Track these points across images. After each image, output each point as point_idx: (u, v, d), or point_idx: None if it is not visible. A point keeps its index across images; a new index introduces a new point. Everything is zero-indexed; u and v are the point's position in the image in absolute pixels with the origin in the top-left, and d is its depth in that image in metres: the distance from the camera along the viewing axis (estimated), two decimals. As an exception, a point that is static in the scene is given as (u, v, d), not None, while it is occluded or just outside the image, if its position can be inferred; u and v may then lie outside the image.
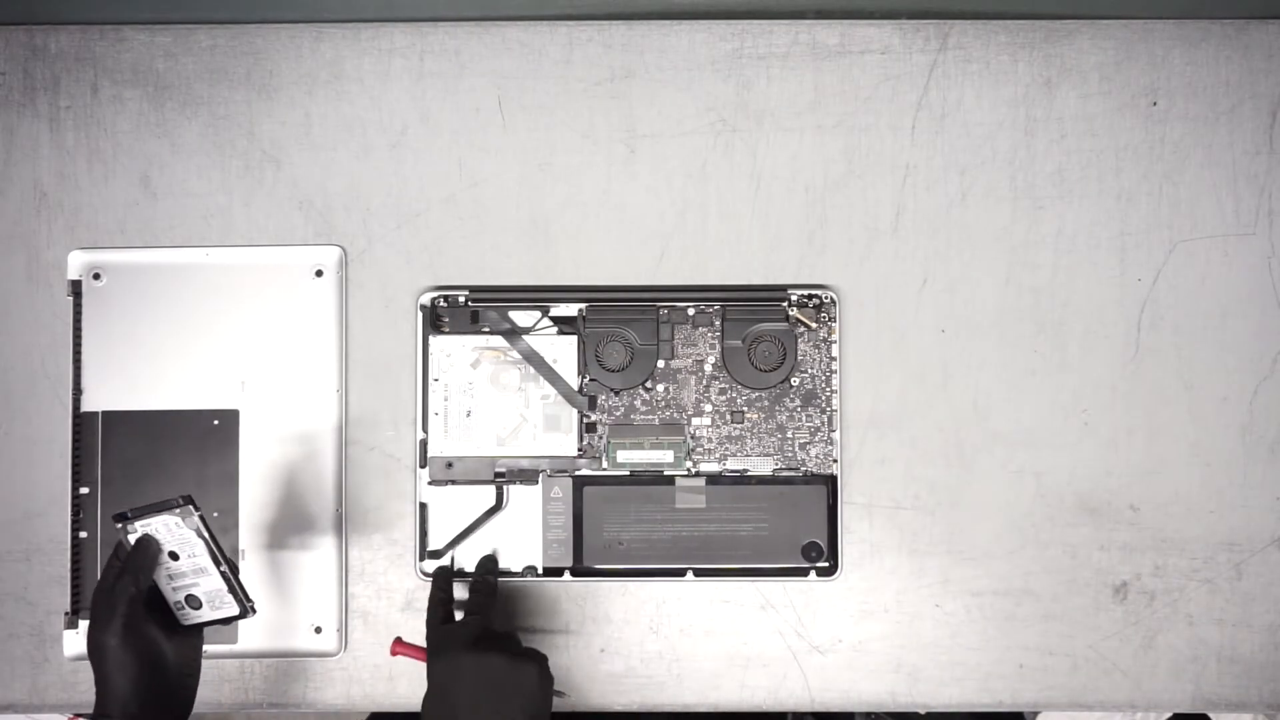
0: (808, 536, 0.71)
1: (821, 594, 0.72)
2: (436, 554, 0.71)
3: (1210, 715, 0.91)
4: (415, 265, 0.73)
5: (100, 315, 0.72)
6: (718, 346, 0.72)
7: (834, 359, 0.72)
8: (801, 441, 0.72)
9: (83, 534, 0.72)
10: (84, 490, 0.72)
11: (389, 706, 0.72)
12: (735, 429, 0.72)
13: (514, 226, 0.73)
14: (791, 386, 0.72)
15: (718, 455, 0.72)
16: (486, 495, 0.72)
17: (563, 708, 0.71)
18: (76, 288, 0.72)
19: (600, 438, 0.72)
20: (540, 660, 0.62)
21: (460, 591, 0.70)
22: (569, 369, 0.72)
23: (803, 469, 0.72)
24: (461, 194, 0.73)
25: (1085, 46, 0.73)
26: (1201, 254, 0.73)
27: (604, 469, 0.72)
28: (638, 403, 0.72)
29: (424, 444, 0.72)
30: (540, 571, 0.71)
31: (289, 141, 0.73)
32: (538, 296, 0.72)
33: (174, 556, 0.61)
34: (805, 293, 0.72)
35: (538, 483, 0.72)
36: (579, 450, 0.72)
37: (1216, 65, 0.73)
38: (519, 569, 0.72)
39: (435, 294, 0.72)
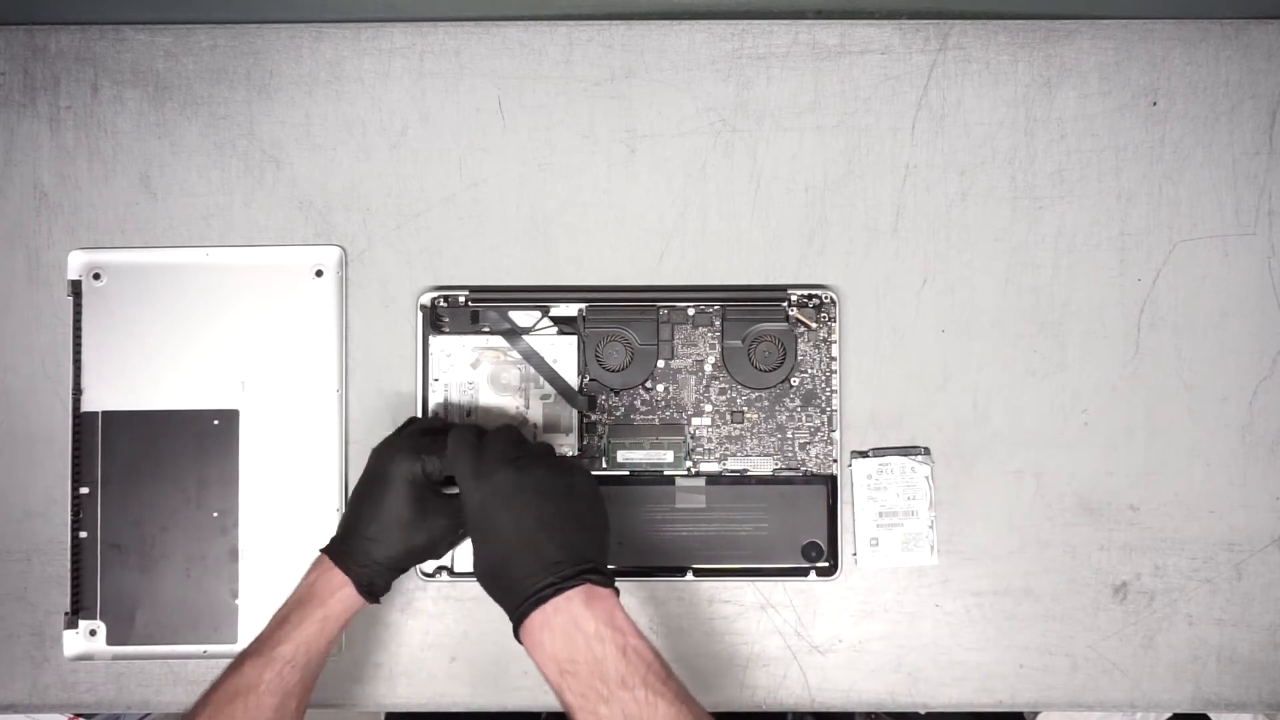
0: (807, 536, 0.71)
1: (821, 594, 0.72)
2: (436, 554, 0.71)
3: (1210, 715, 0.91)
4: (415, 265, 0.73)
5: (100, 315, 0.72)
6: (718, 346, 0.72)
7: (834, 359, 0.72)
8: (801, 441, 0.72)
9: (83, 534, 0.72)
10: (84, 490, 0.72)
11: (389, 706, 0.72)
12: (735, 429, 0.72)
13: (514, 226, 0.73)
14: (791, 386, 0.72)
15: (718, 455, 0.72)
16: (486, 495, 0.72)
17: None
18: (76, 288, 0.72)
19: (600, 438, 0.72)
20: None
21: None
22: (569, 369, 0.72)
23: (803, 469, 0.72)
24: (461, 194, 0.73)
25: (1085, 46, 0.73)
26: (1201, 254, 0.73)
27: (604, 469, 0.72)
28: (638, 403, 0.72)
29: (424, 444, 0.72)
30: (540, 571, 0.71)
31: (289, 141, 0.73)
32: (538, 296, 0.72)
33: None
34: (805, 293, 0.72)
35: (538, 483, 0.71)
36: (579, 450, 0.72)
37: (1216, 65, 0.73)
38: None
39: (435, 294, 0.72)
